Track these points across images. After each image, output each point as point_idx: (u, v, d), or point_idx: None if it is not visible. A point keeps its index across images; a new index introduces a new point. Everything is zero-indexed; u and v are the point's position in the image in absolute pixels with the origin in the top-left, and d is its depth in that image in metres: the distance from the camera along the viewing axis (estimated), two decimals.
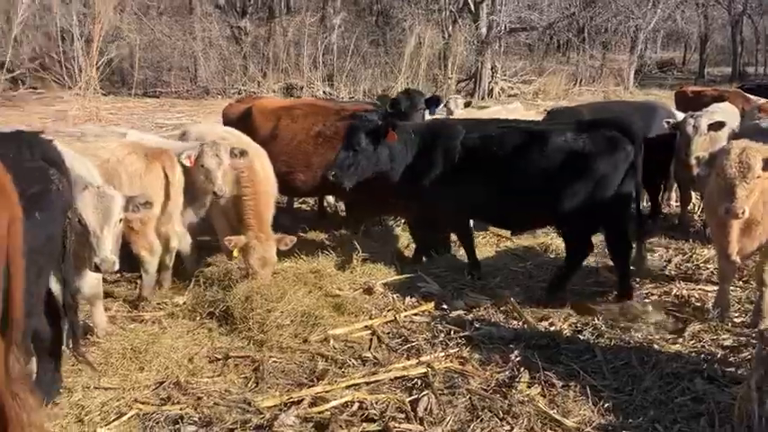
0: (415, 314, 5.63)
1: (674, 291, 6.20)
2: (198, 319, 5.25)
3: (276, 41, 25.16)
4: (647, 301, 5.95)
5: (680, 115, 8.62)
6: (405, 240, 7.55)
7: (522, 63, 28.48)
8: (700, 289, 6.31)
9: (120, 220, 4.40)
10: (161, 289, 5.79)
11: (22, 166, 3.20)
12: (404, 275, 6.30)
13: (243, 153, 5.85)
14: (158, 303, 5.60)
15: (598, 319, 5.56)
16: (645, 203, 9.17)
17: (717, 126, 7.60)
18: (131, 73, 22.92)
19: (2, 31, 19.86)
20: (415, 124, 6.70)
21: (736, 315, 5.70)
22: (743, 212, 4.82)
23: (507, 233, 7.89)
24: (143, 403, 4.03)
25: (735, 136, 6.65)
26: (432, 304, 5.80)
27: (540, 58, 30.62)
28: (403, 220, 7.86)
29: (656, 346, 5.09)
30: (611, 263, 6.28)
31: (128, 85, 22.84)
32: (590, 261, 6.58)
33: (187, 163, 5.64)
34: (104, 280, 5.87)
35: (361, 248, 6.54)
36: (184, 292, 5.71)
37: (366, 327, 5.29)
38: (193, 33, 24.82)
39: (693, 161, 5.89)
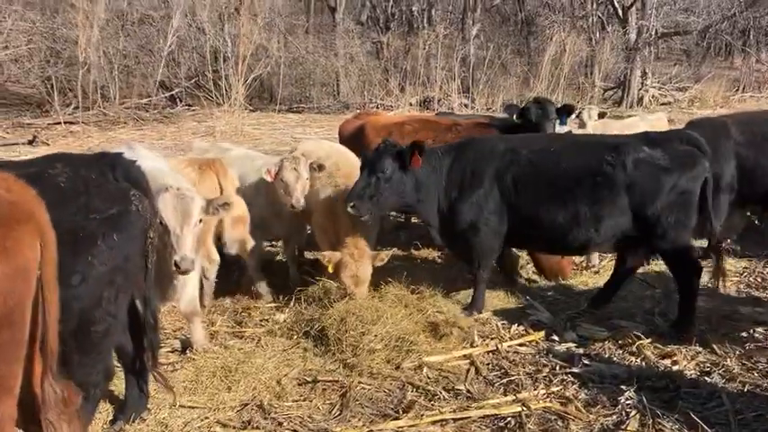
0: (520, 344, 5.26)
1: None
2: (294, 337, 5.22)
3: (414, 54, 25.30)
4: None
5: None
6: (523, 262, 7.14)
7: (677, 69, 26.64)
8: None
9: (201, 221, 4.45)
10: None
11: (103, 188, 3.29)
12: (514, 301, 5.92)
13: (321, 167, 5.95)
14: (260, 320, 5.65)
15: (731, 360, 4.90)
16: None
17: None
18: (278, 90, 24.03)
19: (158, 51, 21.45)
20: (447, 145, 6.04)
21: None
22: None
23: None
24: (224, 426, 4.03)
25: None
26: (541, 334, 5.39)
27: (697, 63, 28.51)
28: None
29: None
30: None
31: (274, 101, 23.97)
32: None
33: (267, 177, 5.79)
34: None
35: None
36: (286, 309, 5.72)
37: (464, 356, 5.00)
38: (335, 49, 25.56)
39: None
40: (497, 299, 6.02)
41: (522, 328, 5.53)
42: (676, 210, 5.36)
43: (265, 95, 25.55)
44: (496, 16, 31.05)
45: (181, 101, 23.81)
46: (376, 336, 4.89)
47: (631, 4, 23.16)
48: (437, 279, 6.15)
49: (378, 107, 23.85)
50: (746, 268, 7.03)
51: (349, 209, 5.40)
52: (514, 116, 7.63)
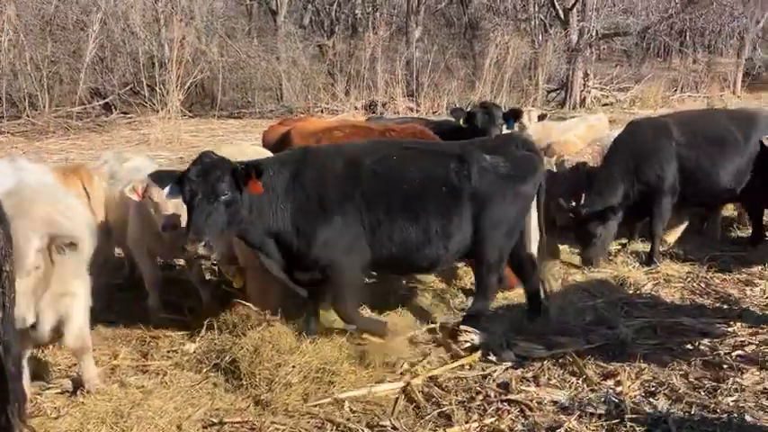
0: (456, 368, 4.83)
1: None
2: (203, 371, 4.67)
3: (358, 58, 24.92)
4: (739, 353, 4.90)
5: None
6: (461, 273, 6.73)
7: (618, 70, 26.89)
8: None
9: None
10: None
11: None
12: (451, 319, 5.49)
13: None
14: (168, 351, 5.09)
15: (677, 378, 4.59)
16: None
17: None
18: (218, 95, 23.32)
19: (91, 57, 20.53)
20: (282, 155, 5.25)
21: None
22: None
23: (577, 262, 7.02)
24: None
25: None
26: (476, 356, 4.97)
27: (637, 64, 28.86)
28: None
29: (748, 418, 4.07)
30: None
31: (216, 107, 23.25)
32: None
33: (134, 197, 5.05)
34: (118, 320, 5.55)
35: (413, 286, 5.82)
36: (197, 338, 5.16)
37: (392, 385, 4.54)
38: (277, 53, 24.98)
39: None
40: (429, 317, 5.58)
41: (458, 349, 5.10)
42: (513, 217, 5.17)
43: (207, 101, 24.79)
44: (441, 19, 30.93)
45: (116, 108, 22.89)
46: (294, 367, 4.41)
47: (572, 6, 23.23)
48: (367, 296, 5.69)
49: (322, 111, 23.40)
50: (690, 273, 6.79)
51: (187, 249, 4.42)
52: (461, 120, 7.40)
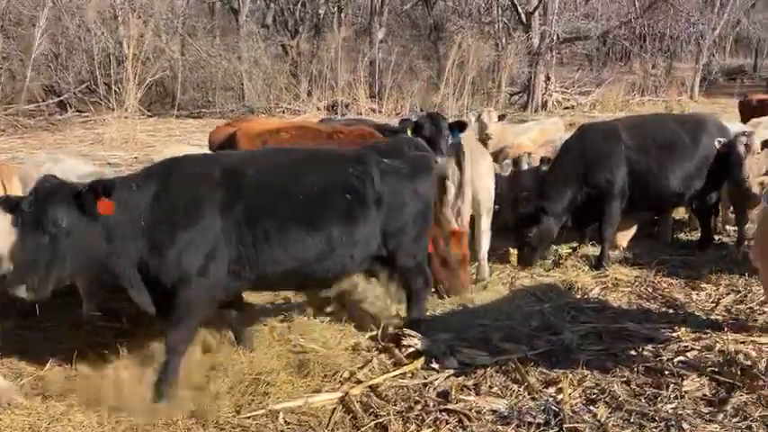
0: (397, 376, 4.71)
1: (719, 345, 5.08)
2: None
3: (321, 58, 24.75)
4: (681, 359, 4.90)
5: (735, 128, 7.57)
6: None
7: (580, 74, 27.17)
8: (752, 342, 5.18)
9: None
10: None
11: None
12: (394, 326, 5.37)
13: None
14: (97, 362, 4.86)
15: (618, 385, 4.55)
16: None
17: None
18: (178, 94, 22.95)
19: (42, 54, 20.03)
20: (151, 167, 4.71)
21: None
22: None
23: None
24: None
25: None
26: (419, 363, 4.87)
27: (598, 68, 29.20)
28: None
29: (686, 425, 4.05)
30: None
31: (176, 106, 22.86)
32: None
33: None
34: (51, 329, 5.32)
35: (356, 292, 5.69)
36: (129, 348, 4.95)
37: (329, 395, 4.41)
38: (239, 52, 24.67)
39: (756, 188, 4.57)
40: (372, 323, 5.46)
41: (400, 356, 4.99)
42: (419, 220, 5.02)
43: (167, 100, 24.37)
44: (406, 20, 30.93)
45: (71, 107, 22.35)
46: (225, 375, 4.25)
47: (534, 10, 23.40)
48: (310, 304, 5.57)
49: (284, 112, 23.20)
50: (638, 277, 6.79)
51: (19, 294, 3.85)
52: (408, 130, 7.27)
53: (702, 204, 7.46)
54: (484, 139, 9.16)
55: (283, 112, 23.22)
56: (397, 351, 5.00)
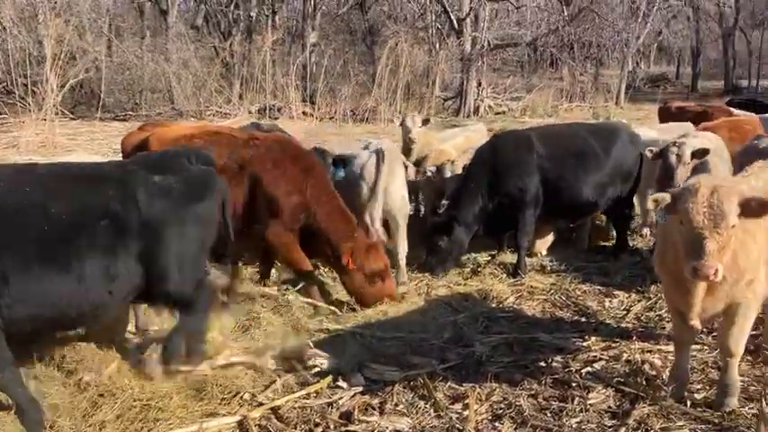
0: (301, 397, 4.53)
1: (626, 355, 5.11)
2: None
3: (253, 61, 24.36)
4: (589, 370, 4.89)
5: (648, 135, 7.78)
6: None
7: (511, 80, 27.61)
8: (659, 351, 5.23)
9: None
10: None
11: None
12: (299, 342, 5.19)
13: None
14: None
15: (524, 399, 4.49)
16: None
17: (701, 153, 6.72)
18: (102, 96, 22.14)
19: None
20: None
21: (699, 388, 4.63)
22: (715, 273, 3.64)
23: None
24: None
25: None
26: (325, 382, 4.69)
27: (529, 74, 29.76)
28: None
29: None
30: None
31: (101, 108, 22.05)
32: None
33: None
34: None
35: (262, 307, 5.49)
36: None
37: (226, 419, 4.20)
38: (166, 54, 24.01)
39: (651, 204, 4.61)
40: (278, 340, 5.26)
41: (307, 375, 4.80)
42: (194, 245, 4.38)
43: (93, 102, 23.50)
44: (341, 24, 30.79)
45: None
46: (113, 402, 3.99)
47: (465, 17, 23.63)
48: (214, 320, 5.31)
49: (215, 115, 22.72)
50: (554, 285, 6.82)
51: None
52: None
53: (617, 213, 7.57)
54: (408, 143, 9.11)
55: (214, 115, 22.77)
56: (302, 370, 4.81)
